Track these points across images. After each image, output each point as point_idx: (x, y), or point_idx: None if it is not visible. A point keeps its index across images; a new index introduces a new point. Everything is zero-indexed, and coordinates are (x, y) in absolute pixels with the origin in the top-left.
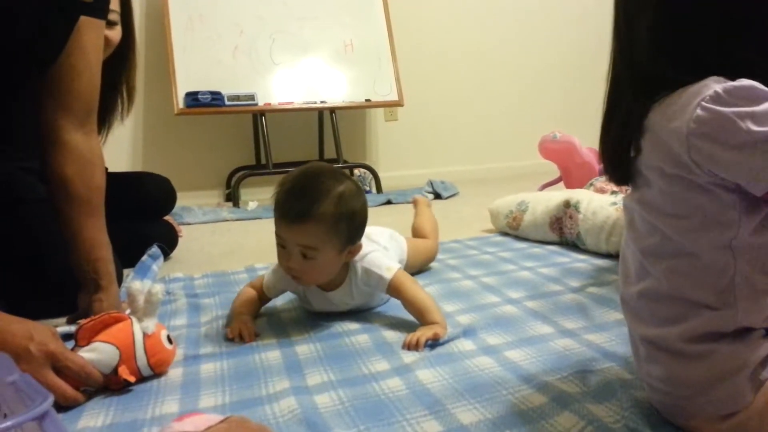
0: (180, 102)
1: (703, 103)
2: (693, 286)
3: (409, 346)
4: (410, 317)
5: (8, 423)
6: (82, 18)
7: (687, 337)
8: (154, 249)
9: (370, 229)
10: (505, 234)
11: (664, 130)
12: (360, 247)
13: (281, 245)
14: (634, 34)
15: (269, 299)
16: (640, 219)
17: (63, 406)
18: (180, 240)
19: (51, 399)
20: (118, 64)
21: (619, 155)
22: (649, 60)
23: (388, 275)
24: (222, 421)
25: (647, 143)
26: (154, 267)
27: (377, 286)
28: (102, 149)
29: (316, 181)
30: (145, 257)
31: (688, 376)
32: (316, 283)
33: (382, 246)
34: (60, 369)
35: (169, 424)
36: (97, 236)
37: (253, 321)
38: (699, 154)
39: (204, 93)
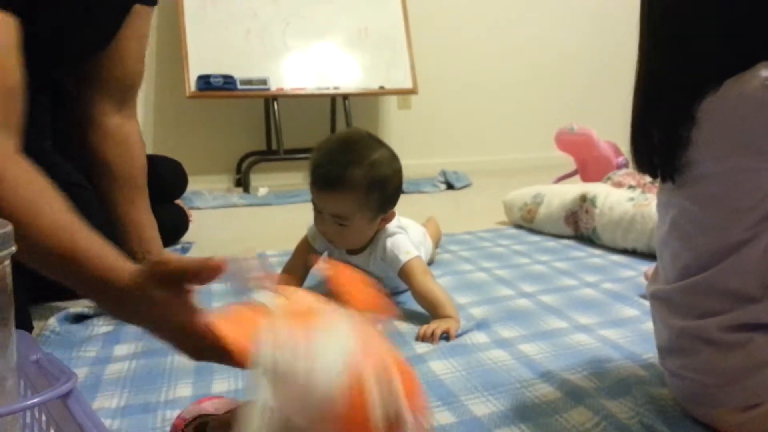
0: (192, 85)
1: None
2: (741, 280)
3: (423, 338)
4: (422, 308)
5: (35, 400)
6: (136, 6)
7: (726, 326)
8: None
9: (406, 222)
10: (519, 227)
11: (727, 119)
12: (393, 214)
13: (317, 210)
14: (686, 24)
15: (318, 254)
16: (686, 217)
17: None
18: (190, 225)
19: (75, 378)
20: None
21: (671, 151)
22: (708, 49)
23: (404, 258)
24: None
25: (702, 135)
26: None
27: (391, 265)
28: (140, 131)
29: (349, 148)
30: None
31: (723, 364)
32: (350, 248)
33: (416, 242)
34: None
35: (188, 408)
36: (144, 216)
37: None
38: None
39: (216, 76)
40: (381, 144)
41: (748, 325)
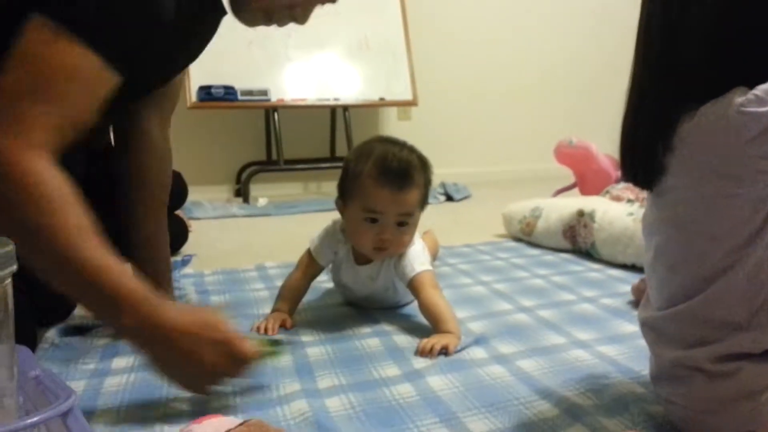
0: (193, 95)
1: (743, 109)
2: (726, 308)
3: (422, 353)
4: (421, 323)
5: (35, 419)
6: None
7: (715, 357)
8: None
9: None
10: (518, 240)
11: (703, 145)
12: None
13: (373, 219)
14: (673, 34)
15: (320, 269)
16: (669, 245)
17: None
18: (190, 235)
19: (74, 396)
20: None
21: (651, 175)
22: (697, 63)
23: (418, 268)
24: (241, 425)
25: (679, 162)
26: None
27: (402, 275)
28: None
29: (398, 150)
30: None
31: (713, 393)
32: (400, 252)
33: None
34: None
35: (188, 427)
36: (161, 234)
37: (290, 315)
38: (759, 162)
39: (217, 87)
40: (411, 146)
41: (737, 355)
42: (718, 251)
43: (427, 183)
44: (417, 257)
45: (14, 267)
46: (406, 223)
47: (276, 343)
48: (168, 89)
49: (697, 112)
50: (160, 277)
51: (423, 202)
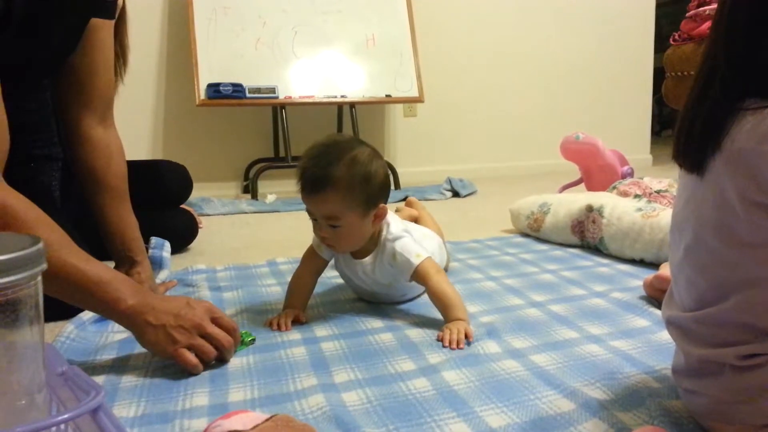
0: (201, 93)
1: None
2: (758, 316)
3: (450, 344)
4: (433, 316)
5: (66, 416)
6: (96, 20)
7: (742, 355)
8: (154, 240)
9: (421, 231)
10: (525, 235)
11: (752, 153)
12: (385, 209)
13: (312, 218)
14: (754, 18)
15: (324, 263)
16: (700, 246)
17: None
18: (200, 231)
19: (103, 393)
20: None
21: (698, 160)
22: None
23: (416, 261)
24: (268, 420)
25: (724, 164)
26: (165, 254)
27: (402, 270)
28: (120, 138)
29: (328, 150)
30: (150, 252)
31: (740, 384)
32: (350, 250)
33: (429, 252)
34: (214, 321)
35: (216, 422)
36: (127, 219)
37: (302, 310)
38: None
39: (226, 85)
40: (361, 143)
41: (763, 353)
42: (752, 260)
43: (358, 181)
44: (411, 249)
45: (44, 265)
46: (336, 225)
47: (247, 335)
48: (93, 86)
49: (762, 111)
50: (134, 255)
51: (357, 202)
